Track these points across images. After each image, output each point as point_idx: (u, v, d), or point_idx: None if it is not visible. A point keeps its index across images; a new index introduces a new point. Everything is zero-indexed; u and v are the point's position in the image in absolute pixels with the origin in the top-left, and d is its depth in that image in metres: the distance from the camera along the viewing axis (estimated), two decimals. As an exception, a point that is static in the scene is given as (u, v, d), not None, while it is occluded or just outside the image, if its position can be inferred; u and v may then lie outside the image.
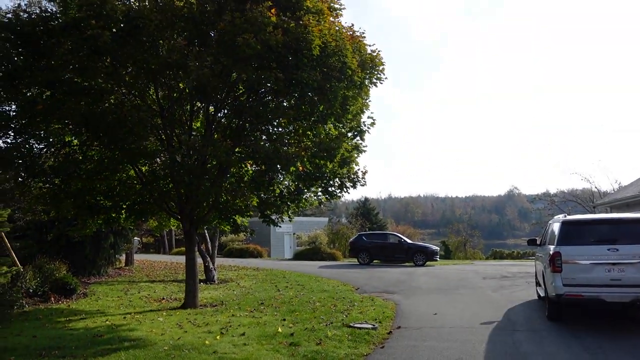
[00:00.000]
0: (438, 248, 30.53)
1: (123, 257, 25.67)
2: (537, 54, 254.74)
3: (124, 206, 14.04)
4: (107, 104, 12.15)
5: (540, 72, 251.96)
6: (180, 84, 12.56)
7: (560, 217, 11.73)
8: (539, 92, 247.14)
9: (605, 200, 24.62)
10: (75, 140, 13.42)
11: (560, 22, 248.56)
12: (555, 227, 11.11)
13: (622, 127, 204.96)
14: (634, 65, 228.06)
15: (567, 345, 8.59)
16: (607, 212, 20.71)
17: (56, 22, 11.43)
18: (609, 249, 9.88)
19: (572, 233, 10.48)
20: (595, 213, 23.71)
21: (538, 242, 13.26)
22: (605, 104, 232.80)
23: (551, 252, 10.38)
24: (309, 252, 35.66)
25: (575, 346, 8.53)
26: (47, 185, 13.41)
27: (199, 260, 16.64)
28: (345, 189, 13.74)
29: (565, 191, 41.97)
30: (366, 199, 69.85)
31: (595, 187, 37.39)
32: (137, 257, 31.81)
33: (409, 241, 30.01)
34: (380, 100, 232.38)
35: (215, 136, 12.97)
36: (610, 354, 7.98)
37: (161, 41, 11.83)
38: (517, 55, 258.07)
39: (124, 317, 11.76)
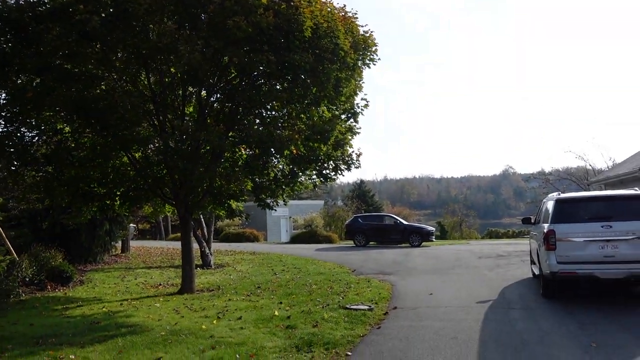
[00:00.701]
0: (434, 228, 30.66)
1: (119, 244, 25.67)
2: (532, 50, 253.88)
3: (118, 193, 14.01)
4: (98, 90, 12.06)
5: (536, 66, 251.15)
6: (171, 69, 12.46)
7: (554, 195, 11.77)
8: (534, 88, 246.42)
9: (600, 177, 24.72)
10: (67, 128, 13.34)
11: (559, 17, 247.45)
12: (550, 205, 11.16)
13: (615, 120, 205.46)
14: (629, 63, 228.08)
15: (562, 323, 8.67)
16: (601, 190, 20.80)
17: (44, 7, 11.27)
18: (602, 226, 9.94)
19: (566, 211, 10.53)
20: (589, 191, 23.83)
21: (532, 221, 13.32)
22: (598, 99, 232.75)
23: (545, 230, 10.44)
24: (305, 236, 35.72)
25: (570, 323, 8.62)
26: (41, 173, 13.35)
27: (195, 246, 16.68)
28: (339, 172, 13.75)
29: (560, 169, 42.15)
30: (362, 181, 69.93)
31: (590, 165, 37.52)
32: (133, 244, 31.83)
33: (405, 222, 30.08)
34: (372, 80, 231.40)
35: (208, 121, 12.92)
36: (605, 331, 8.06)
37: (151, 25, 11.71)
38: (512, 49, 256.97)
39: (121, 304, 11.80)
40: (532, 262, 13.57)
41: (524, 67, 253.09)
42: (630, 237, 9.77)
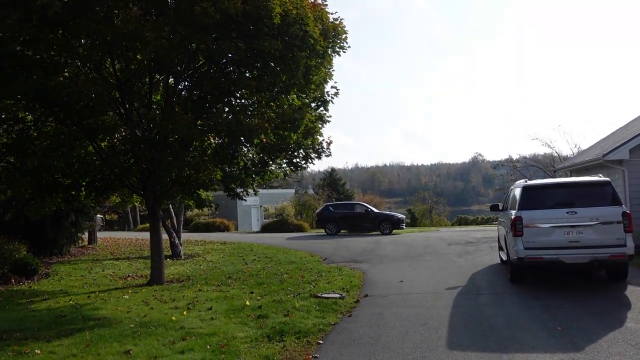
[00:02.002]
0: (404, 216, 30.99)
1: (86, 236, 25.24)
2: (531, 50, 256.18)
3: (84, 183, 13.74)
4: (61, 78, 11.76)
5: (535, 66, 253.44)
6: (137, 56, 12.23)
7: (521, 182, 12.00)
8: (533, 88, 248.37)
9: (565, 164, 25.26)
10: (29, 116, 12.99)
11: (558, 17, 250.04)
12: (517, 192, 11.38)
13: (615, 120, 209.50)
14: (629, 63, 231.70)
15: (528, 307, 8.89)
16: (567, 177, 21.28)
17: (2, -8, 10.89)
18: (567, 212, 10.18)
19: (533, 198, 10.75)
20: (555, 178, 24.35)
21: (500, 208, 13.57)
22: (598, 101, 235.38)
23: (513, 217, 10.65)
24: (277, 225, 35.73)
25: (536, 307, 8.83)
26: (2, 163, 13.01)
27: (165, 236, 16.50)
28: (310, 160, 13.74)
29: (527, 157, 42.74)
30: (332, 170, 69.95)
31: (556, 152, 38.17)
32: (101, 235, 31.36)
33: (376, 210, 30.36)
34: (342, 68, 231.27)
35: (176, 109, 12.74)
36: (569, 313, 8.29)
37: (116, 11, 11.46)
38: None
39: (88, 297, 11.62)
40: (500, 249, 13.84)
41: (522, 67, 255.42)
42: (594, 222, 10.03)
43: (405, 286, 11.44)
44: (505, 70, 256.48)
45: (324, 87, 13.52)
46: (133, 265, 17.74)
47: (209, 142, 13.69)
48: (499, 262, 14.17)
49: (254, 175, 13.96)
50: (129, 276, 14.98)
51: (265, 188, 44.24)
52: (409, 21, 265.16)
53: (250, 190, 14.49)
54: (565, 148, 76.23)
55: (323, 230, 29.45)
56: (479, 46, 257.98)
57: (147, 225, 25.40)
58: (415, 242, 21.67)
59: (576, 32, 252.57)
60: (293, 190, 56.11)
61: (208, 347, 7.05)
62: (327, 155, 13.80)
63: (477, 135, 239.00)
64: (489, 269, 13.41)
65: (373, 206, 33.63)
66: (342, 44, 12.99)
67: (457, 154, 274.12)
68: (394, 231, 27.97)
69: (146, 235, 22.58)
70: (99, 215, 33.05)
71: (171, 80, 13.25)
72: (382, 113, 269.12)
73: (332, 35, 12.67)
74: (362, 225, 28.47)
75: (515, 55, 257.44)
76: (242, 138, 12.33)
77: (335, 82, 13.40)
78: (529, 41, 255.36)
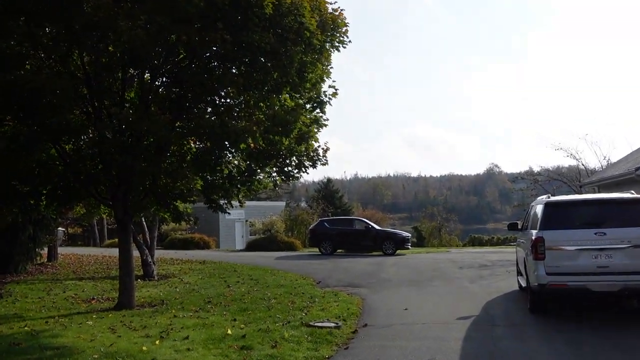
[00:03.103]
0: (410, 234, 30.99)
1: (45, 252, 25.10)
2: (532, 50, 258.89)
3: (45, 191, 13.66)
4: (21, 71, 11.74)
5: (535, 66, 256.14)
6: (109, 47, 12.22)
7: (544, 198, 12.04)
8: (534, 90, 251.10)
9: (593, 179, 25.38)
10: (-17, 114, 12.96)
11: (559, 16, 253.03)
12: (538, 209, 11.40)
13: (615, 120, 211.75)
14: (629, 63, 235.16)
15: (550, 341, 8.87)
16: (594, 192, 21.36)
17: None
18: (595, 233, 10.20)
19: (556, 216, 10.77)
20: (581, 193, 24.44)
21: (519, 227, 13.59)
22: (598, 102, 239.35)
23: (533, 238, 10.66)
24: (264, 242, 35.65)
25: (559, 341, 8.82)
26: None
27: (136, 253, 16.41)
28: (303, 169, 13.74)
29: (550, 169, 42.95)
30: (329, 180, 70.19)
31: (583, 165, 38.38)
32: (62, 251, 31.19)
33: (377, 227, 30.37)
34: (341, 68, 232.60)
35: (152, 109, 12.74)
36: (597, 349, 8.28)
37: (85, -4, 11.47)
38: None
39: (47, 322, 11.54)
40: (519, 273, 13.84)
41: (523, 67, 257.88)
42: (626, 245, 10.05)
43: (410, 315, 11.42)
44: (524, 71, 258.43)
45: (321, 87, 13.55)
46: (99, 286, 17.64)
47: (188, 146, 13.69)
48: (518, 288, 14.16)
49: (239, 185, 13.93)
50: (93, 299, 14.90)
51: (251, 200, 44.20)
52: (414, 18, 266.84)
53: (235, 202, 14.46)
54: (593, 160, 76.55)
55: (317, 249, 29.39)
56: (493, 44, 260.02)
57: (116, 240, 25.28)
58: (422, 265, 21.66)
59: (577, 31, 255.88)
60: (283, 203, 56.17)
61: (183, 382, 7.00)
62: (322, 164, 13.79)
63: (493, 143, 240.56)
64: (505, 297, 13.40)
65: (374, 222, 33.63)
66: (341, 38, 13.03)
67: (470, 165, 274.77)
68: (398, 251, 27.94)
69: (114, 252, 22.48)
70: (60, 229, 32.88)
71: (147, 75, 13.26)
72: (385, 118, 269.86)
73: (331, 28, 12.72)
74: (362, 244, 28.45)
75: (534, 53, 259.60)
76: (226, 142, 12.32)
77: (334, 81, 13.43)
78: (543, 38, 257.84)
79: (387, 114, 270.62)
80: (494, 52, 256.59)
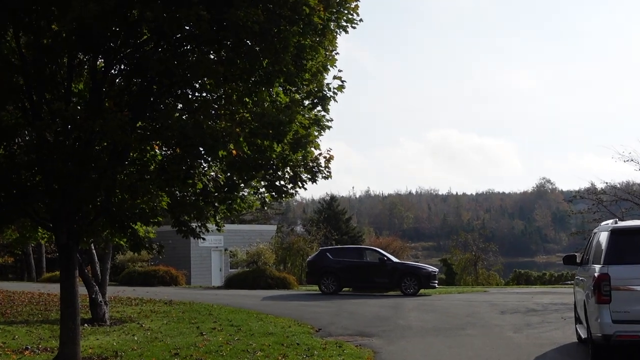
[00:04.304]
0: (437, 269, 30.93)
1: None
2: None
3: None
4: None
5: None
6: (52, 26, 12.29)
7: (609, 223, 12.02)
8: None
9: (674, 199, 25.39)
10: None
11: None
12: (602, 237, 11.39)
13: None
14: None
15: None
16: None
17: None
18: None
19: (626, 246, 10.76)
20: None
21: (578, 260, 13.57)
22: None
23: (596, 275, 10.64)
24: (249, 277, 35.64)
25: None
26: None
27: (83, 290, 16.39)
28: (300, 183, 13.73)
29: (618, 185, 42.87)
30: (333, 198, 70.28)
31: (661, 181, 38.39)
32: (-12, 286, 31.16)
33: (395, 260, 30.35)
34: (350, 55, 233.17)
35: (107, 104, 12.76)
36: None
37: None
38: None
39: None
40: (578, 321, 13.80)
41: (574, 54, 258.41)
42: None
43: (436, 373, 11.38)
44: (575, 59, 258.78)
45: (323, 78, 13.58)
46: (34, 332, 17.60)
47: (152, 153, 13.71)
48: (576, 340, 14.12)
49: (216, 204, 13.94)
50: (27, 349, 14.86)
51: (233, 223, 44.17)
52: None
53: (211, 226, 14.45)
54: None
55: (317, 287, 29.35)
56: (535, 24, 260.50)
57: (57, 273, 25.29)
58: (452, 308, 21.61)
59: None
60: (274, 227, 56.01)
61: None
62: (325, 177, 13.76)
63: (544, 153, 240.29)
64: (560, 351, 13.35)
65: (391, 253, 33.66)
66: (350, 16, 13.04)
67: (515, 180, 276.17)
68: (422, 291, 27.90)
69: (55, 288, 22.46)
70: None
71: (101, 61, 13.29)
72: (403, 119, 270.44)
73: (337, 3, 12.76)
74: (375, 281, 28.46)
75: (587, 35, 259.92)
76: (201, 148, 12.32)
77: (340, 71, 13.44)
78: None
79: (405, 114, 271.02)
80: (535, 37, 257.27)
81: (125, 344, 15.41)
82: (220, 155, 12.72)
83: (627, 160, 38.54)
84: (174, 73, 12.19)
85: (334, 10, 12.78)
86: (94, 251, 20.61)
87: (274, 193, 14.02)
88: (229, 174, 13.82)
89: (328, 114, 13.86)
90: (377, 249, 32.79)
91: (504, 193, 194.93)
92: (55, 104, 12.27)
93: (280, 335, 16.07)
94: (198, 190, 13.78)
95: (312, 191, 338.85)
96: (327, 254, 30.01)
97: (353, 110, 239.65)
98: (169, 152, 13.44)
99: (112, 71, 13.34)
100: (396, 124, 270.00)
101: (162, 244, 15.39)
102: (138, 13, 11.56)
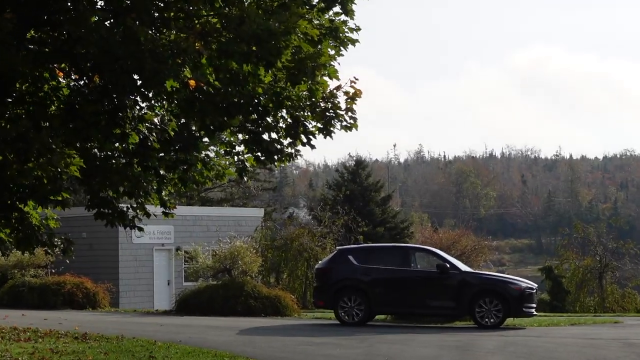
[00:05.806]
0: (535, 285, 30.87)
1: None
2: None
3: None
4: None
5: None
6: None
7: None
8: None
9: None
10: None
11: None
12: None
13: None
14: None
15: None
16: None
17: None
18: None
19: None
20: None
21: None
22: None
23: None
24: (217, 296, 35.62)
25: None
26: None
27: None
28: (304, 137, 13.77)
29: None
30: (359, 164, 70.32)
31: None
32: None
33: (466, 268, 30.34)
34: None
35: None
36: None
37: None
38: None
39: None
40: None
41: None
42: None
43: None
44: None
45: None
46: None
47: (54, 83, 13.75)
48: None
49: (162, 170, 13.99)
50: None
51: (191, 203, 44.24)
52: None
53: (154, 208, 14.53)
54: None
55: (332, 314, 29.42)
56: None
57: None
58: (563, 355, 21.54)
59: None
60: (261, 212, 56.04)
61: None
62: (346, 127, 13.76)
63: None
64: None
65: (459, 257, 33.71)
66: None
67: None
68: (510, 321, 27.97)
69: None
70: None
71: None
72: (474, 34, 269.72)
73: None
74: (430, 305, 28.51)
75: None
76: (136, 76, 12.36)
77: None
78: None
79: (476, 25, 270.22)
80: None
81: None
82: (169, 88, 12.75)
83: None
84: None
85: None
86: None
87: (259, 154, 14.01)
88: (183, 120, 13.85)
89: (352, 18, 13.84)
90: (434, 249, 32.75)
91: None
92: None
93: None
94: (131, 147, 13.82)
95: (325, 151, 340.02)
96: (350, 257, 29.90)
97: (392, 19, 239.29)
98: (81, 83, 13.48)
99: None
100: (462, 40, 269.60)
101: (71, 239, 15.48)
102: None
